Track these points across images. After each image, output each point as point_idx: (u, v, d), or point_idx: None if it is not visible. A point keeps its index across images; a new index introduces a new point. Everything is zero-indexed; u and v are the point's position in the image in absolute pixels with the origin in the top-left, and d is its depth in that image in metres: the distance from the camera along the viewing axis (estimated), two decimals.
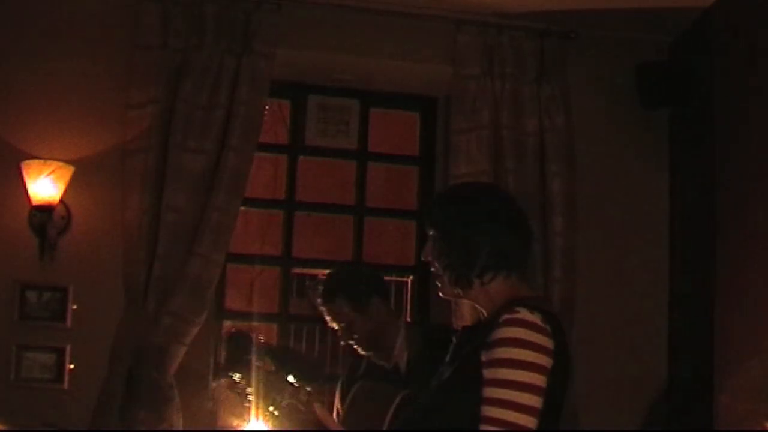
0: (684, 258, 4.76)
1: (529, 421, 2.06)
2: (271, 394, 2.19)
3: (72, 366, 4.30)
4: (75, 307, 4.32)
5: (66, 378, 4.30)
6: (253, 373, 2.24)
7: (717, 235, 4.39)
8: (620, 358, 4.69)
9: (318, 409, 2.15)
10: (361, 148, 5.00)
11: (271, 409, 2.21)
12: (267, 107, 4.58)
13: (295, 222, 4.91)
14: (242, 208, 4.54)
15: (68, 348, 4.30)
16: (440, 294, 2.35)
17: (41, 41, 4.45)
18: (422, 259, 2.35)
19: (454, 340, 2.39)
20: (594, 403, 4.56)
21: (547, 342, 2.12)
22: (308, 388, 2.19)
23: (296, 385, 2.19)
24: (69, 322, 4.32)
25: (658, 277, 4.82)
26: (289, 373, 2.17)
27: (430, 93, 5.01)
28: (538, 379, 2.08)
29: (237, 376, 2.23)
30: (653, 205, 4.87)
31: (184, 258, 4.31)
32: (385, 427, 2.28)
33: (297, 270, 5.05)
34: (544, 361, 2.10)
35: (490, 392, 2.09)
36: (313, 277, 5.86)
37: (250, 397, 2.24)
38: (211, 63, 4.45)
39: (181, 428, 4.32)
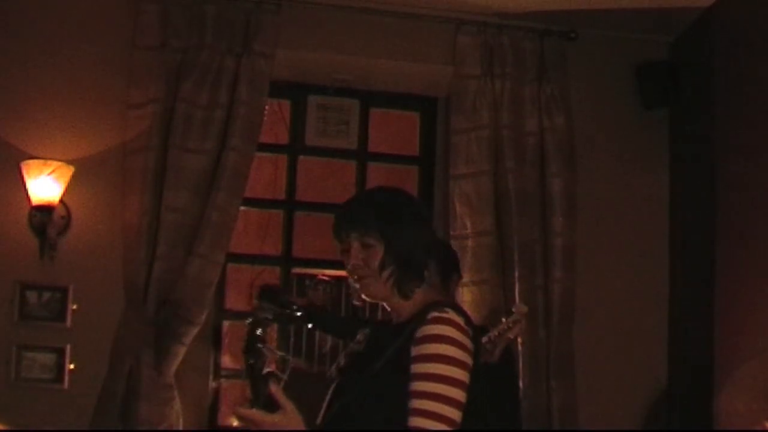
0: (684, 258, 4.76)
1: (457, 414, 2.14)
2: (254, 362, 2.20)
3: (72, 366, 4.30)
4: (75, 307, 4.33)
5: (66, 378, 4.30)
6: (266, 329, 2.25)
7: (717, 235, 4.39)
8: (620, 358, 4.69)
9: (273, 387, 2.16)
10: (361, 148, 4.99)
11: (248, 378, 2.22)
12: (267, 107, 4.58)
13: (295, 222, 4.91)
14: (242, 208, 4.54)
15: (68, 348, 4.30)
16: (363, 297, 2.35)
17: (41, 41, 4.45)
18: (352, 265, 2.32)
19: (357, 340, 2.44)
20: (594, 403, 4.57)
21: (469, 343, 2.20)
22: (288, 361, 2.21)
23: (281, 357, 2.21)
24: (69, 322, 4.32)
25: (657, 277, 4.82)
26: (322, 329, 2.21)
27: (430, 93, 5.01)
28: (464, 376, 2.17)
29: (259, 331, 2.23)
30: (653, 205, 4.87)
31: (184, 258, 4.31)
32: (320, 417, 2.28)
33: (297, 270, 5.04)
34: (468, 359, 2.18)
35: (420, 385, 2.15)
36: (313, 277, 5.90)
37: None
38: (211, 63, 4.46)
39: (181, 428, 4.32)
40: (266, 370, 2.18)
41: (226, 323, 4.80)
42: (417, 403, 2.13)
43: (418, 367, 2.16)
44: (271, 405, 2.11)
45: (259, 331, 2.22)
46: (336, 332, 2.26)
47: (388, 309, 2.38)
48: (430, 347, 2.16)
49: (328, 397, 2.30)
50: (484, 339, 3.43)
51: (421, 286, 2.34)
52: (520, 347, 4.44)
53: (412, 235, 2.33)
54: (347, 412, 2.23)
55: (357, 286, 2.35)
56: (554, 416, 4.48)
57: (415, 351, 2.18)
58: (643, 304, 4.77)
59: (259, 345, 2.19)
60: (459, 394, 2.14)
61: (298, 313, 2.30)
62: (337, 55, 4.74)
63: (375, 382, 2.22)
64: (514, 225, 4.58)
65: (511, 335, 3.57)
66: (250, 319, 2.24)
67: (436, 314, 2.20)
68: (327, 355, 5.36)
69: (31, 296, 4.31)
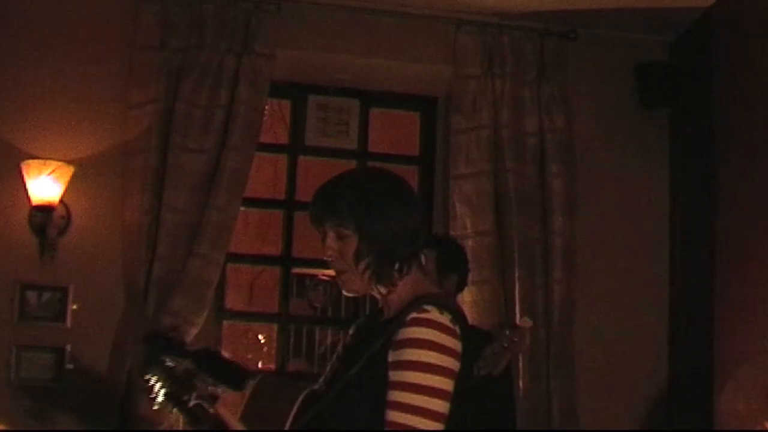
0: (684, 258, 4.76)
1: (434, 426, 1.98)
2: (178, 394, 2.17)
3: (72, 366, 4.29)
4: (75, 307, 4.32)
5: (66, 378, 4.29)
6: (162, 374, 2.21)
7: (717, 234, 4.40)
8: (620, 358, 4.69)
9: (221, 408, 2.07)
10: (361, 148, 4.99)
11: (175, 410, 2.20)
12: (267, 107, 4.58)
13: (295, 222, 4.91)
14: (242, 208, 4.54)
15: (68, 348, 4.30)
16: (346, 292, 2.19)
17: (41, 41, 4.45)
18: (328, 257, 2.16)
19: (349, 333, 2.31)
20: (594, 403, 4.57)
21: (455, 344, 2.03)
22: (218, 389, 2.13)
23: (205, 385, 2.16)
24: (69, 322, 4.32)
25: (658, 277, 4.82)
26: (210, 376, 2.13)
27: (430, 93, 5.01)
28: (444, 383, 1.99)
29: (150, 377, 2.20)
30: (653, 205, 4.87)
31: (184, 258, 4.31)
32: (287, 427, 2.09)
33: (297, 270, 5.05)
34: (452, 364, 2.01)
35: (396, 396, 1.99)
36: (313, 277, 5.90)
37: (159, 399, 2.22)
38: (211, 63, 4.46)
39: (181, 428, 4.32)
40: (193, 402, 2.13)
41: (226, 323, 4.80)
42: (392, 415, 1.98)
43: (395, 375, 2.01)
44: (219, 427, 2.04)
45: (149, 377, 2.19)
46: (223, 380, 2.11)
47: (378, 298, 2.21)
48: (407, 353, 2.00)
49: (297, 404, 2.12)
50: (488, 351, 3.39)
51: (404, 278, 2.14)
52: None
53: (392, 223, 2.12)
54: (319, 421, 2.07)
55: (341, 280, 2.18)
56: (554, 416, 4.48)
57: (393, 356, 2.02)
58: (643, 304, 4.77)
59: (154, 392, 2.17)
60: (437, 405, 1.98)
61: (182, 359, 2.21)
62: (337, 55, 4.74)
63: (348, 390, 2.06)
64: (514, 225, 4.58)
65: (516, 349, 3.52)
66: (142, 371, 2.20)
67: (414, 315, 2.03)
68: (327, 354, 5.38)
69: (31, 296, 4.31)
